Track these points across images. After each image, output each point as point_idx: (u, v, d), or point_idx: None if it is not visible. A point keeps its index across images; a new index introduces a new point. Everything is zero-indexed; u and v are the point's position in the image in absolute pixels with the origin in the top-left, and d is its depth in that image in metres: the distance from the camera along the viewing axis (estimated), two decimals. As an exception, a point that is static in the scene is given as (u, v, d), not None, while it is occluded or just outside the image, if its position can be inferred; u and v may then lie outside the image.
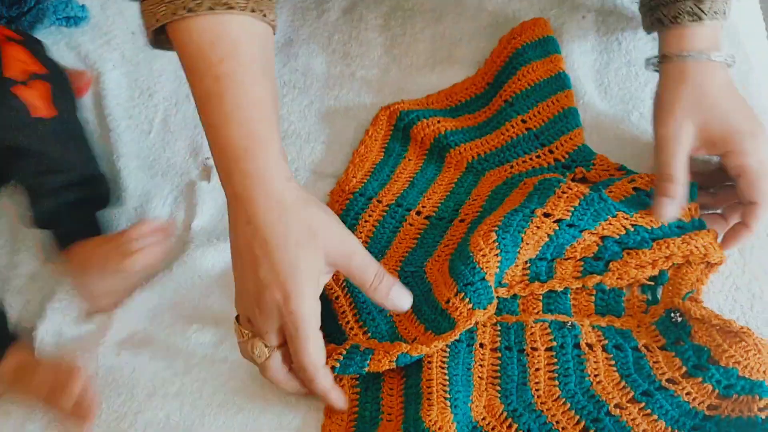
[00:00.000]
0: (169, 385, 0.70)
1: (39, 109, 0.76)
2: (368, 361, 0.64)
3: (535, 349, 0.66)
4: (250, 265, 0.60)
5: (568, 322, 0.66)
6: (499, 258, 0.67)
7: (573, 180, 0.76)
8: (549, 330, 0.67)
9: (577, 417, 0.62)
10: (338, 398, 0.65)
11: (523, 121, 0.81)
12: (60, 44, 0.93)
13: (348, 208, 0.78)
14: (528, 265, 0.71)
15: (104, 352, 0.73)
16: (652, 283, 0.70)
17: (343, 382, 0.68)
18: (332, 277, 0.71)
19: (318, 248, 0.60)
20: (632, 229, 0.70)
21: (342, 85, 0.89)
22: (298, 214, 0.60)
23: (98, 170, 0.81)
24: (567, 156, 0.78)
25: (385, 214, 0.78)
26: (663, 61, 0.71)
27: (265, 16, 0.62)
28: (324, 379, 0.63)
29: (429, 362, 0.65)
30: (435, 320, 0.67)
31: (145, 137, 0.87)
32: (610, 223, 0.70)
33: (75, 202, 0.77)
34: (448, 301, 0.66)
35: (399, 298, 0.65)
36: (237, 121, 0.59)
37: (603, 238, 0.70)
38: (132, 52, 0.93)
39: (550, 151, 0.79)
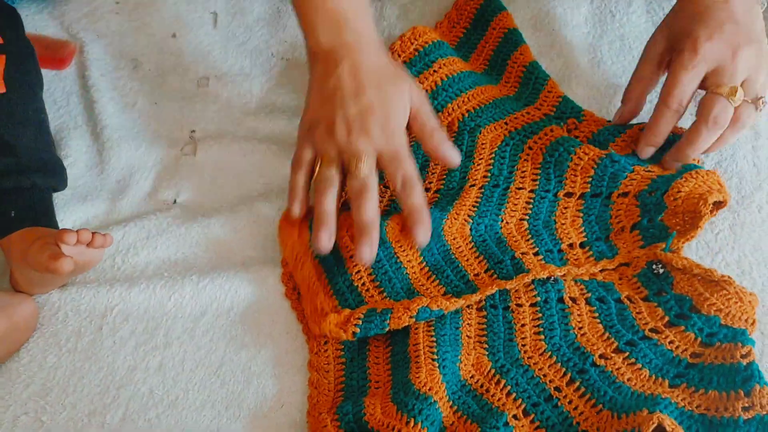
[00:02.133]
0: (150, 359, 0.69)
1: None
2: (388, 321, 0.64)
3: (519, 305, 0.66)
4: (353, 94, 0.69)
5: (551, 277, 0.66)
6: (532, 242, 0.70)
7: (568, 131, 0.77)
8: (532, 286, 0.67)
9: (563, 369, 0.63)
10: (427, 215, 0.70)
11: (500, 90, 0.82)
12: (43, 13, 0.90)
13: None
14: (588, 248, 0.71)
15: (84, 327, 0.72)
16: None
17: (328, 352, 0.67)
18: (348, 235, 0.71)
19: (410, 88, 0.71)
20: (655, 177, 0.70)
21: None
22: (394, 61, 0.74)
23: (48, 156, 0.78)
24: (554, 109, 0.79)
25: (392, 201, 0.77)
26: None
27: None
28: (421, 192, 0.70)
29: (415, 328, 0.65)
30: (457, 286, 0.68)
31: (130, 109, 0.86)
32: (632, 179, 0.71)
33: (14, 189, 0.74)
34: (477, 275, 0.69)
35: (450, 150, 0.72)
36: None
37: (637, 195, 0.70)
38: (117, 22, 0.91)
39: (537, 108, 0.79)
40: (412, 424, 0.58)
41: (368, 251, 0.68)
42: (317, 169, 0.71)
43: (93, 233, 0.67)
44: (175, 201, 0.80)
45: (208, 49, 0.90)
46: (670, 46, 0.72)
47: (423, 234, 0.69)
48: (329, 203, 0.70)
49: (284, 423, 0.65)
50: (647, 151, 0.72)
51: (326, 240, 0.69)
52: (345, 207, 0.73)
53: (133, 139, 0.84)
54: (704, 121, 0.68)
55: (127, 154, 0.83)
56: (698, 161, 0.72)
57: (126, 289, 0.73)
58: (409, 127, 0.72)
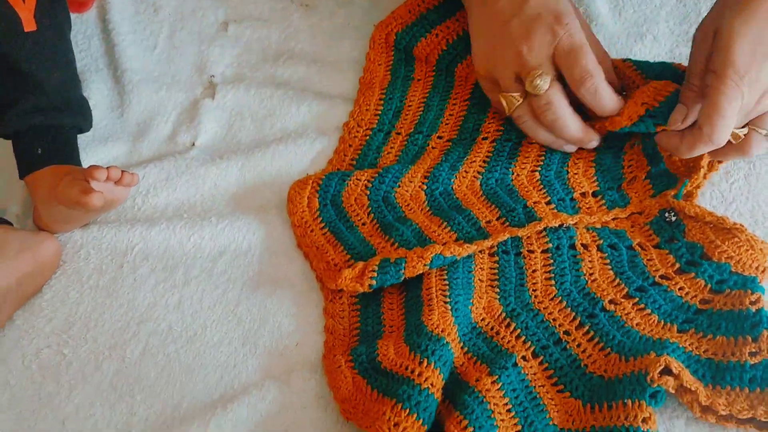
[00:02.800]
0: (169, 296, 0.71)
1: (28, 23, 0.74)
2: (403, 270, 0.65)
3: (531, 251, 0.67)
4: (513, 8, 0.70)
5: (563, 225, 0.67)
6: (544, 192, 0.71)
7: None
8: (544, 233, 0.68)
9: (573, 314, 0.64)
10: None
11: None
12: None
13: (368, 144, 0.79)
14: (601, 197, 0.71)
15: (105, 265, 0.74)
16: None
17: (342, 299, 0.69)
18: (356, 203, 0.73)
19: None
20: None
21: (352, 2, 0.88)
22: None
23: (76, 96, 0.79)
24: None
25: (406, 143, 0.78)
26: None
27: None
28: (606, 85, 0.68)
29: (428, 273, 0.66)
30: (469, 233, 0.69)
31: (150, 53, 0.87)
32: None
33: (42, 126, 0.75)
34: (489, 222, 0.70)
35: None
36: None
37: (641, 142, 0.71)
38: None
39: None
40: (425, 364, 0.59)
41: (594, 145, 0.71)
42: (508, 110, 0.72)
43: (122, 171, 0.69)
44: (193, 144, 0.81)
45: (228, -6, 0.90)
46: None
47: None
48: (546, 135, 0.72)
49: (299, 361, 0.66)
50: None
51: (595, 138, 0.71)
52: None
53: (153, 83, 0.85)
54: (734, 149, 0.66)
55: (147, 97, 0.84)
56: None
57: (146, 229, 0.75)
58: None
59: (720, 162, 0.70)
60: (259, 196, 0.77)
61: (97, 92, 0.84)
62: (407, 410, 0.57)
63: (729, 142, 0.63)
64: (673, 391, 0.57)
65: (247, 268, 0.72)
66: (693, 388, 0.57)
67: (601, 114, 0.69)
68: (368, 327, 0.67)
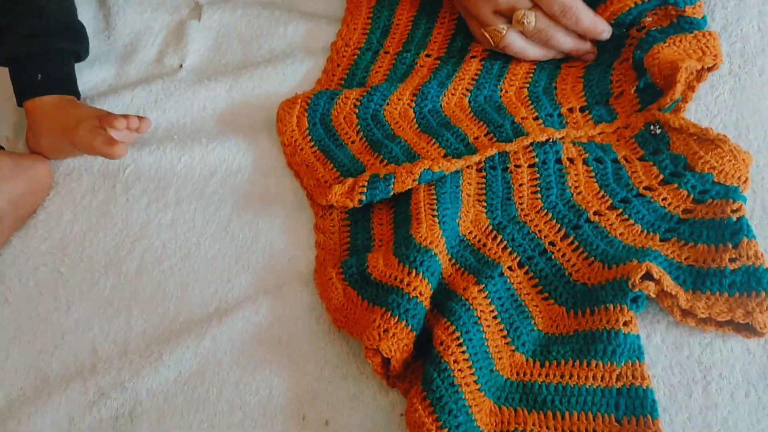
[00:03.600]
0: (162, 215, 0.72)
1: None
2: (392, 185, 0.66)
3: (518, 166, 0.68)
4: None
5: (549, 139, 0.68)
6: (532, 108, 0.72)
7: None
8: (531, 148, 0.68)
9: (558, 225, 0.65)
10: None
11: None
12: None
13: (356, 63, 0.78)
14: (588, 112, 0.72)
15: (98, 185, 0.74)
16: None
17: (333, 215, 0.70)
18: (345, 121, 0.74)
19: None
20: (644, 36, 0.72)
21: None
22: None
23: (74, 22, 0.79)
24: None
25: (395, 61, 0.78)
26: None
27: None
28: (585, 9, 0.71)
29: (416, 189, 0.67)
30: (457, 148, 0.70)
31: (136, -26, 0.86)
32: (630, 44, 0.73)
33: (42, 52, 0.75)
34: (477, 138, 0.70)
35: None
36: None
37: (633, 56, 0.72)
38: None
39: None
40: (413, 274, 0.60)
41: (591, 56, 0.74)
42: (495, 43, 0.73)
43: (138, 117, 0.70)
44: (181, 66, 0.81)
45: None
46: None
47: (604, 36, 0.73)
48: (536, 50, 0.74)
49: (290, 274, 0.68)
50: None
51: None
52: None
53: (139, 4, 0.84)
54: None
55: (133, 19, 0.83)
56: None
57: (137, 150, 0.75)
58: None
59: (699, 79, 0.71)
60: (248, 116, 0.77)
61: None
62: (396, 317, 0.58)
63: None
64: (654, 296, 0.59)
65: (238, 187, 0.73)
66: (673, 293, 0.58)
67: (587, 35, 0.72)
68: (358, 241, 0.68)
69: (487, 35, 0.73)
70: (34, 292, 0.69)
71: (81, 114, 0.72)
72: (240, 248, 0.70)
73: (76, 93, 0.76)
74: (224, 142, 0.75)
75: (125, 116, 0.70)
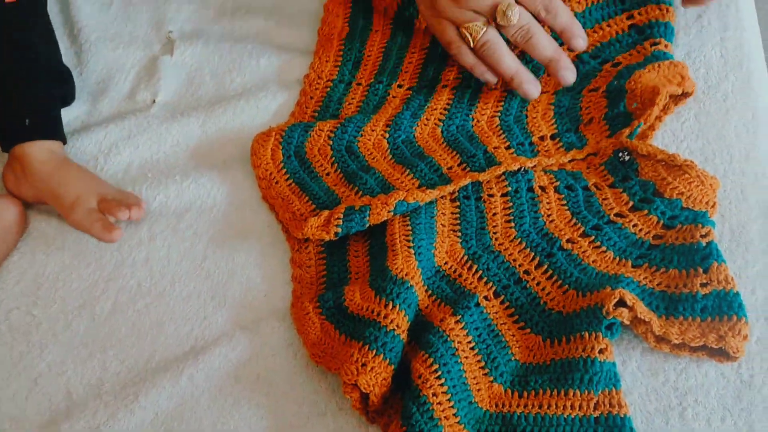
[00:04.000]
0: (136, 254, 0.72)
1: None
2: (367, 217, 0.66)
3: (491, 195, 0.69)
4: None
5: (521, 168, 0.69)
6: (504, 137, 0.72)
7: None
8: (504, 177, 0.69)
9: (532, 254, 0.66)
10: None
11: None
12: None
13: (329, 95, 0.79)
14: (558, 140, 0.73)
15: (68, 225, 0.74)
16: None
17: (309, 249, 0.70)
18: (320, 153, 0.74)
19: None
20: (622, 69, 0.73)
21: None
22: None
23: (60, 65, 0.79)
24: None
25: (367, 93, 0.79)
26: None
27: None
28: (566, 10, 0.72)
29: (392, 220, 0.67)
30: (431, 179, 0.70)
31: (106, 10, 0.86)
32: (602, 76, 0.74)
33: (31, 95, 0.75)
34: (450, 168, 0.71)
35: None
36: None
37: (605, 90, 0.73)
38: None
39: None
40: (390, 306, 0.61)
41: (570, 74, 0.73)
42: (473, 40, 0.72)
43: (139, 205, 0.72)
44: (153, 101, 0.81)
45: (181, -51, 0.89)
46: None
47: (581, 44, 0.73)
48: (512, 59, 0.73)
49: (268, 310, 0.68)
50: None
51: (536, 89, 0.73)
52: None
53: (111, 41, 0.84)
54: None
55: (105, 56, 0.84)
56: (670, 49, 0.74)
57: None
58: None
59: (675, 103, 0.72)
60: (221, 151, 0.77)
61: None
62: (374, 351, 0.58)
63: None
64: (628, 323, 0.60)
65: (213, 222, 0.73)
66: (647, 319, 0.59)
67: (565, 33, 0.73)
68: (334, 274, 0.68)
69: (467, 33, 0.72)
70: (6, 336, 0.68)
71: (78, 189, 0.72)
72: (216, 284, 0.70)
73: (62, 138, 0.76)
74: (198, 178, 0.75)
75: (128, 206, 0.71)
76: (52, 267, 0.72)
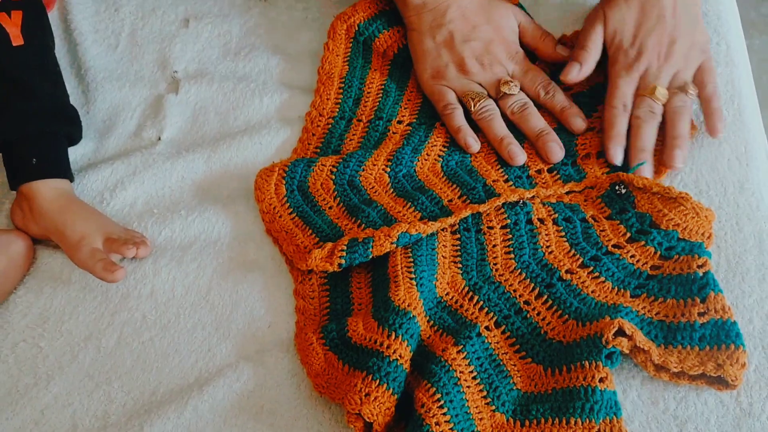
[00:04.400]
0: (141, 287, 0.73)
1: (15, 37, 0.76)
2: (371, 249, 0.67)
3: (491, 228, 0.70)
4: (469, 33, 0.79)
5: (520, 200, 0.70)
6: (502, 171, 0.75)
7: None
8: (503, 210, 0.70)
9: (532, 284, 0.67)
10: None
11: None
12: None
13: (330, 131, 0.81)
14: (556, 172, 0.74)
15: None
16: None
17: (312, 281, 0.71)
18: (323, 188, 0.75)
19: (512, 10, 0.81)
20: None
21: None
22: None
23: (67, 105, 0.81)
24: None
25: (368, 129, 0.81)
26: None
27: None
28: (561, 91, 0.78)
29: (394, 252, 0.68)
30: (433, 211, 0.72)
31: (113, 51, 0.88)
32: (597, 117, 0.76)
33: (38, 135, 0.77)
34: (450, 200, 0.72)
35: (556, 47, 0.81)
36: None
37: (600, 130, 0.75)
38: None
39: None
40: (393, 336, 0.61)
41: (559, 150, 0.74)
42: (474, 105, 0.77)
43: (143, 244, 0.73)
44: (159, 138, 0.82)
45: (187, -9, 0.92)
46: (609, 37, 0.76)
47: (579, 124, 0.76)
48: (502, 127, 0.76)
49: (271, 342, 0.69)
50: (617, 153, 0.73)
51: (522, 156, 0.75)
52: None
53: (117, 80, 0.86)
54: (635, 118, 0.73)
55: (112, 95, 0.85)
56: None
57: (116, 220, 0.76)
58: (522, 40, 0.81)
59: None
60: (226, 186, 0.79)
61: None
62: (377, 381, 0.59)
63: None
64: (628, 352, 0.61)
65: (217, 255, 0.74)
66: (646, 348, 0.60)
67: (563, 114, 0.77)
68: (338, 305, 0.69)
69: (467, 98, 0.77)
70: (13, 369, 0.69)
71: (83, 228, 0.73)
72: (220, 316, 0.71)
73: (69, 176, 0.78)
74: (203, 212, 0.77)
75: (135, 244, 0.72)
76: (58, 300, 0.73)
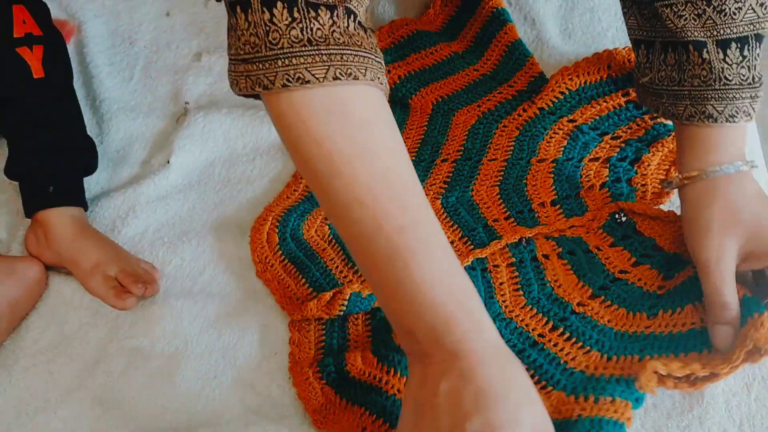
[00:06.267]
0: (150, 313, 0.74)
1: (36, 70, 0.79)
2: (373, 303, 0.68)
3: (496, 266, 0.70)
4: (457, 422, 0.49)
5: (522, 239, 0.71)
6: (503, 207, 0.74)
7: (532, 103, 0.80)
8: (506, 248, 0.71)
9: (545, 319, 0.66)
10: None
11: (476, 70, 0.86)
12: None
13: None
14: (559, 206, 0.74)
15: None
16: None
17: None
18: (317, 234, 0.76)
19: (537, 404, 0.51)
20: (623, 145, 0.75)
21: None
22: (514, 368, 0.52)
23: (85, 136, 0.83)
24: (527, 86, 0.82)
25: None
26: (689, 182, 0.64)
27: None
28: None
29: None
30: None
31: (127, 83, 0.91)
32: (602, 147, 0.76)
33: (56, 164, 0.79)
34: (452, 242, 0.72)
35: None
36: (442, 281, 0.53)
37: (607, 159, 0.75)
38: (113, 2, 0.96)
39: (510, 86, 0.83)
40: (392, 372, 0.62)
41: None
42: None
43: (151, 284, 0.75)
44: (168, 161, 0.84)
45: (200, 26, 0.94)
46: (748, 259, 0.62)
47: None
48: None
49: (276, 369, 0.69)
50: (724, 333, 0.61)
51: None
52: None
53: (131, 111, 0.88)
54: None
55: (125, 126, 0.87)
56: None
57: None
58: None
59: None
60: (235, 216, 0.80)
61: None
62: (375, 416, 0.59)
63: None
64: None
65: (225, 284, 0.75)
66: (688, 372, 0.57)
67: None
68: (333, 341, 0.69)
69: None
70: (24, 393, 0.70)
71: (96, 257, 0.75)
72: (227, 344, 0.71)
73: (84, 204, 0.80)
74: (214, 243, 0.78)
75: (144, 282, 0.74)
76: (69, 326, 0.74)
